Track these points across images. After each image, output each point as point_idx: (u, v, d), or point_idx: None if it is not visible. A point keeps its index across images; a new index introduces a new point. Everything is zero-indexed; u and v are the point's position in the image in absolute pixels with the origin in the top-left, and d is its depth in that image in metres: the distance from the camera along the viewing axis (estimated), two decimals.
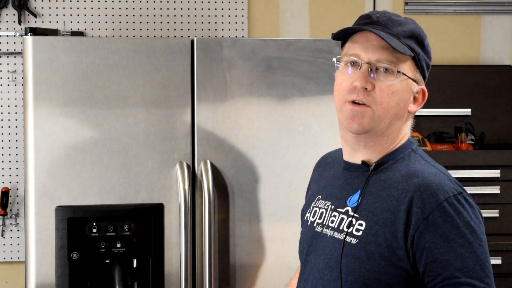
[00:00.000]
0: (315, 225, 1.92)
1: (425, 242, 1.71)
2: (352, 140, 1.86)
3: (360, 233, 1.78)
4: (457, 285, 1.69)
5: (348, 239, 1.79)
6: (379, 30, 1.79)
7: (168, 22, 4.01)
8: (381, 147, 1.84)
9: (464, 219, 1.72)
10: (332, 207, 1.88)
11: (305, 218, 1.99)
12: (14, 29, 3.91)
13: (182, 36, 4.01)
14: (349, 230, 1.80)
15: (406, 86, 1.82)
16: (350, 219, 1.81)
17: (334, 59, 1.86)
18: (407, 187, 1.76)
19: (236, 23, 4.05)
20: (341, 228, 1.83)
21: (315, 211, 1.94)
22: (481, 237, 1.73)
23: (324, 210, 1.90)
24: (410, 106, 1.86)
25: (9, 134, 3.91)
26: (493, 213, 3.77)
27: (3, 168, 3.91)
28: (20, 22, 3.88)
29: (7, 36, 3.90)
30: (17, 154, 3.90)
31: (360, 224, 1.79)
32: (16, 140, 3.90)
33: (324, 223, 1.88)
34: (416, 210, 1.72)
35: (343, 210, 1.85)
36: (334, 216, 1.86)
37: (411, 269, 1.74)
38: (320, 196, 1.95)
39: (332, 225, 1.85)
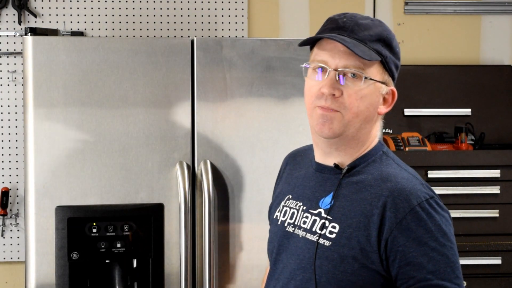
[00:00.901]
0: (286, 224, 1.93)
1: (399, 246, 1.74)
2: (324, 144, 1.88)
3: (333, 236, 1.80)
4: (430, 287, 1.73)
5: (321, 241, 1.81)
6: (346, 35, 1.79)
7: (168, 22, 4.01)
8: (352, 150, 1.86)
9: (436, 222, 1.76)
10: (304, 208, 1.90)
11: (274, 217, 2.00)
12: (14, 29, 3.91)
13: (182, 36, 4.01)
14: (322, 232, 1.82)
15: (374, 90, 1.82)
16: (323, 221, 1.83)
17: (302, 65, 1.88)
18: (380, 191, 1.79)
19: (236, 23, 4.05)
20: (313, 229, 1.84)
21: (286, 210, 1.95)
22: (451, 239, 1.78)
23: (295, 211, 1.92)
24: (380, 108, 1.86)
25: (9, 134, 3.91)
26: (493, 213, 3.77)
27: (3, 168, 3.91)
28: (20, 22, 3.88)
29: (7, 36, 3.90)
30: (17, 154, 3.90)
31: (334, 227, 1.81)
32: (16, 140, 3.90)
33: (295, 223, 1.90)
34: (389, 215, 1.75)
35: (315, 212, 1.87)
36: (306, 217, 1.88)
37: (384, 272, 1.77)
38: (290, 196, 1.96)
39: (305, 226, 1.87)
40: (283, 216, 1.95)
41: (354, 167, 1.86)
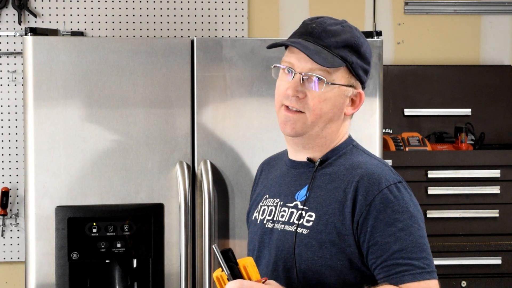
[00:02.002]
0: (265, 222, 1.99)
1: (368, 227, 1.82)
2: (291, 141, 1.97)
3: (310, 224, 1.87)
4: (397, 266, 1.79)
5: (299, 230, 1.88)
6: (312, 41, 1.88)
7: (168, 22, 4.01)
8: (319, 147, 1.95)
9: (404, 204, 1.83)
10: (281, 203, 1.97)
11: (253, 218, 2.06)
12: (14, 29, 3.91)
13: (182, 36, 4.01)
14: (300, 222, 1.89)
15: (339, 93, 1.90)
16: (300, 212, 1.90)
17: (272, 66, 1.96)
18: (351, 178, 1.87)
19: (236, 23, 4.05)
20: (291, 221, 1.91)
21: (264, 209, 2.01)
22: (419, 223, 1.84)
23: (273, 207, 1.98)
24: (347, 109, 1.94)
25: (9, 134, 3.91)
26: (493, 213, 3.77)
27: (3, 168, 3.91)
28: (20, 22, 3.88)
29: (7, 36, 3.90)
30: (17, 154, 3.90)
31: (310, 216, 1.88)
32: (16, 140, 3.90)
33: (274, 219, 1.96)
34: (360, 198, 1.84)
35: (292, 205, 1.94)
36: (284, 211, 1.95)
37: (358, 254, 1.84)
38: (267, 196, 2.03)
39: (282, 219, 1.94)
40: (262, 215, 2.01)
41: (326, 159, 1.94)
